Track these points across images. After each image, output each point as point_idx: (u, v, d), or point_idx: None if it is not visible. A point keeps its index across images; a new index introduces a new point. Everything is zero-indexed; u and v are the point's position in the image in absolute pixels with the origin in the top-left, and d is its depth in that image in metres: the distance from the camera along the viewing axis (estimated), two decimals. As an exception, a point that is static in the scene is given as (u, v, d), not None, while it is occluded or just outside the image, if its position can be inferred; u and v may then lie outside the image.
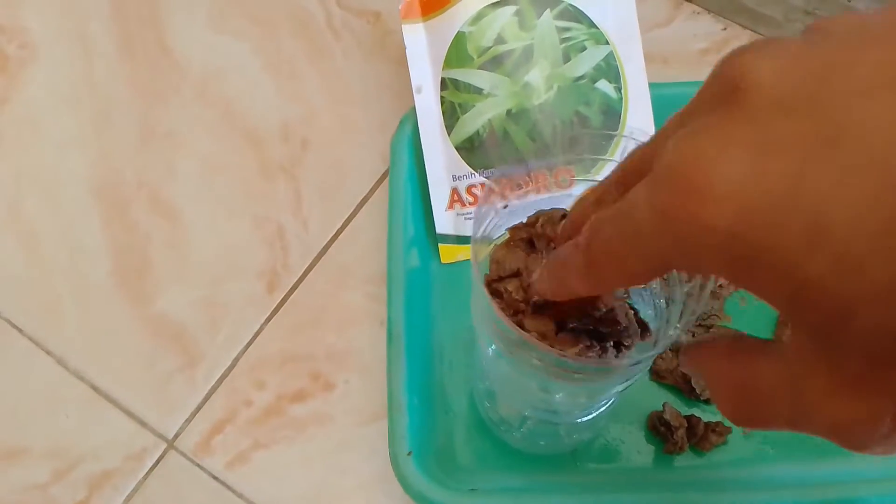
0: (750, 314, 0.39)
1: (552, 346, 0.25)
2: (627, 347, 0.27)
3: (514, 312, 0.27)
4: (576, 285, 0.22)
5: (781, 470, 0.36)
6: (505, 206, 0.29)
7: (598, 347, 0.26)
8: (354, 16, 0.48)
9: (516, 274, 0.27)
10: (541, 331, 0.26)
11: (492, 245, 0.29)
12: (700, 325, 0.39)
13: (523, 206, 0.29)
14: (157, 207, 0.44)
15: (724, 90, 0.17)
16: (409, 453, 0.34)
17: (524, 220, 0.28)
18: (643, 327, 0.27)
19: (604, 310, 0.26)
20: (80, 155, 0.45)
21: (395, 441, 0.34)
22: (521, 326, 0.26)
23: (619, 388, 0.29)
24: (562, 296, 0.23)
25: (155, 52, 0.48)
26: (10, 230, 0.43)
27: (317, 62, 0.48)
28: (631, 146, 0.23)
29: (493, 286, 0.27)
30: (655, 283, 0.28)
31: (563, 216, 0.28)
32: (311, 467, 0.38)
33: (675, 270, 0.26)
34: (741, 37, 0.47)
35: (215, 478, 0.37)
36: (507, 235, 0.28)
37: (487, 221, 0.29)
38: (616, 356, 0.26)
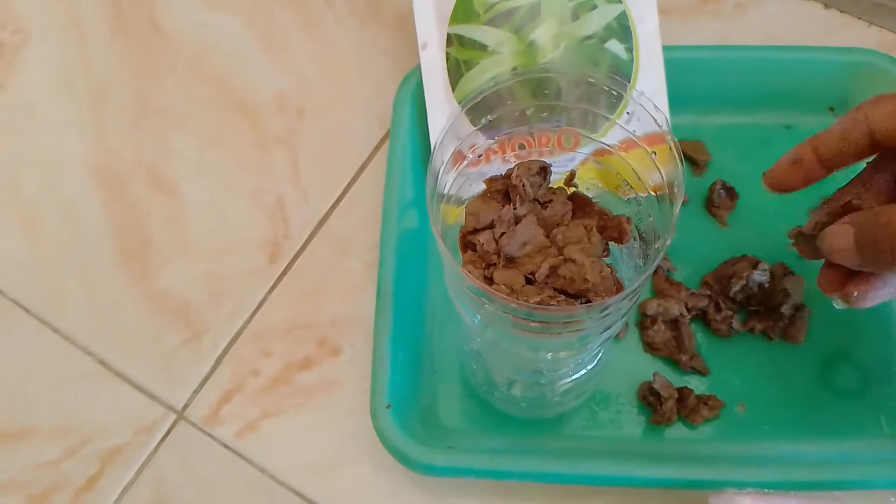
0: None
1: (517, 298, 0.25)
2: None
3: (486, 265, 0.26)
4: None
5: (772, 449, 0.35)
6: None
7: (563, 299, 0.26)
8: (345, -17, 0.48)
9: (490, 226, 0.27)
10: (509, 283, 0.26)
11: (463, 205, 0.28)
12: None
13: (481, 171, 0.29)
14: (156, 185, 0.44)
15: None
16: (388, 406, 0.34)
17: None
18: (618, 286, 0.27)
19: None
20: (77, 136, 0.45)
21: (375, 393, 0.34)
22: (492, 279, 0.26)
23: (598, 341, 0.28)
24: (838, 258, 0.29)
25: (147, 30, 0.48)
26: (12, 213, 0.44)
27: (309, 31, 0.47)
28: (640, 109, 0.26)
29: (468, 238, 0.27)
30: (636, 244, 0.28)
31: (542, 168, 0.27)
32: (320, 433, 0.37)
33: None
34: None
35: (226, 446, 0.38)
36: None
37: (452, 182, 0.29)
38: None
